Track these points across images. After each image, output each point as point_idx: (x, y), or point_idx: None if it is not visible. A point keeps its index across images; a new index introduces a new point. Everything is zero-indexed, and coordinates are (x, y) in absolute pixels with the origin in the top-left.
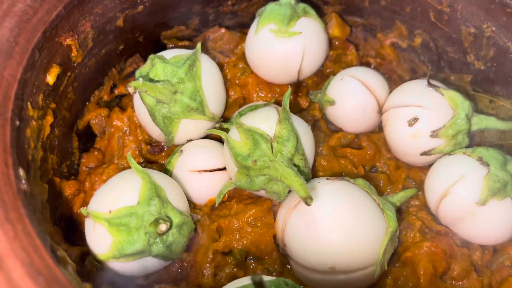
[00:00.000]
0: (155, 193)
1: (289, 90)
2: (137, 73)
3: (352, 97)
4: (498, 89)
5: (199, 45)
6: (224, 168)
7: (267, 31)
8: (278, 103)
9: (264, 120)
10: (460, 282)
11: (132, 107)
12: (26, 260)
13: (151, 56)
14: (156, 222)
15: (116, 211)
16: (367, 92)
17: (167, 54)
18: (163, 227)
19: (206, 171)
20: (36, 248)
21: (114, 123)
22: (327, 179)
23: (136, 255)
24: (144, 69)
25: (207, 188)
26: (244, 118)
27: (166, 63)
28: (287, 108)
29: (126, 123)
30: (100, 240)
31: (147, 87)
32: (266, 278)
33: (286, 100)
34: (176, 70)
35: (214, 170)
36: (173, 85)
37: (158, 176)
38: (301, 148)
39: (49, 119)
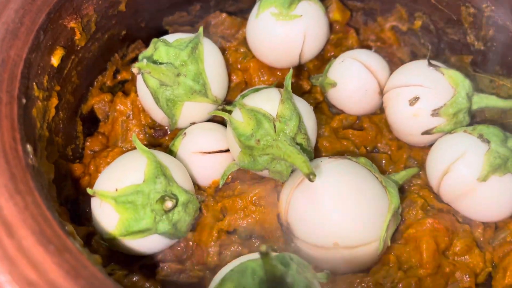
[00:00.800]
0: (160, 172)
1: (291, 71)
2: (140, 56)
3: (354, 79)
4: (498, 68)
5: (201, 28)
6: (227, 150)
7: (268, 15)
8: (280, 86)
9: (267, 100)
10: (463, 258)
11: (135, 92)
12: (37, 229)
13: (154, 40)
14: (162, 199)
15: (123, 189)
16: (368, 73)
17: (170, 38)
18: (169, 204)
19: (209, 152)
20: (46, 218)
21: (118, 107)
22: (330, 157)
23: (142, 233)
24: (147, 52)
25: (211, 170)
26: (247, 99)
27: (169, 46)
28: (289, 88)
29: (129, 107)
30: (106, 218)
31: (151, 68)
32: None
33: (288, 80)
34: (179, 53)
35: (217, 152)
36: (176, 67)
37: (162, 156)
38: (303, 128)
39: (54, 101)
